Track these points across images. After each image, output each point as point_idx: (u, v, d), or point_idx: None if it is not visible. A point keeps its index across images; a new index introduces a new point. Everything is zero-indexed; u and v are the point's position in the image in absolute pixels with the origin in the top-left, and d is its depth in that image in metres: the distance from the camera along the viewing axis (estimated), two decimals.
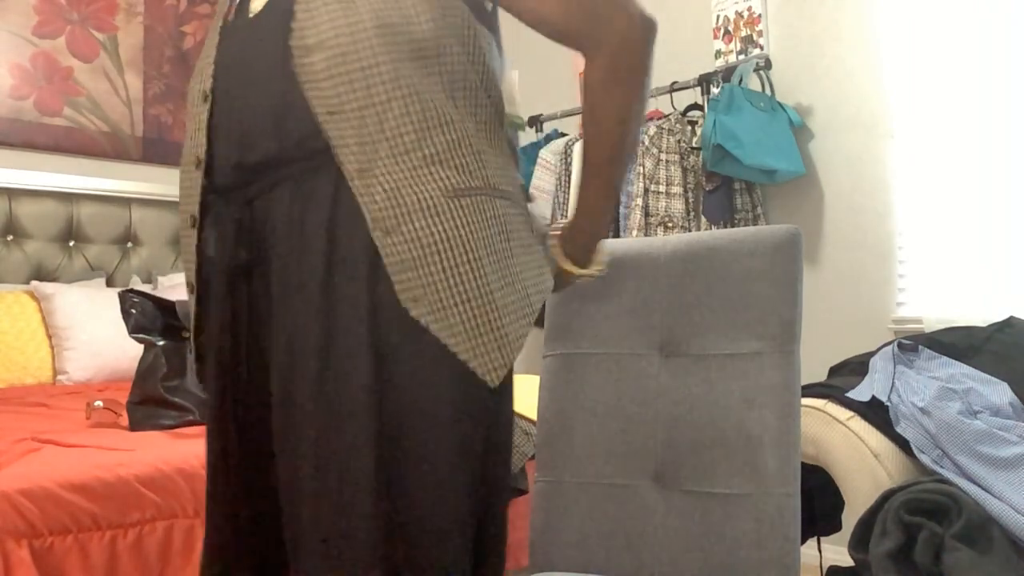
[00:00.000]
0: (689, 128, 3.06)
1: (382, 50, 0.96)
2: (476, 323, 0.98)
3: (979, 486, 1.44)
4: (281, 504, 1.01)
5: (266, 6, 1.03)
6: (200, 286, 1.11)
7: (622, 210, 3.10)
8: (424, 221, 0.96)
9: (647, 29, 1.07)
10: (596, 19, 1.06)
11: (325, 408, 0.95)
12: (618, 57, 1.07)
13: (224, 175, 1.04)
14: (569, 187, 3.33)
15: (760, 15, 3.16)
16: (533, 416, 2.01)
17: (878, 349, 1.84)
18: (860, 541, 1.48)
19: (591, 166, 1.14)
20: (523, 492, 2.03)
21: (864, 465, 1.59)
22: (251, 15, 1.04)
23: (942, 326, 2.08)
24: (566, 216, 3.30)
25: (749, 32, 3.19)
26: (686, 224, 2.95)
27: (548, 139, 3.56)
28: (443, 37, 1.00)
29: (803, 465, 1.38)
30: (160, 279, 3.54)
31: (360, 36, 0.95)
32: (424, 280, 0.96)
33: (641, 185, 2.99)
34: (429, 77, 0.99)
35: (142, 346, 2.12)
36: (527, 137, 3.70)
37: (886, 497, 1.47)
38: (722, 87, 2.91)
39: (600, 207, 1.16)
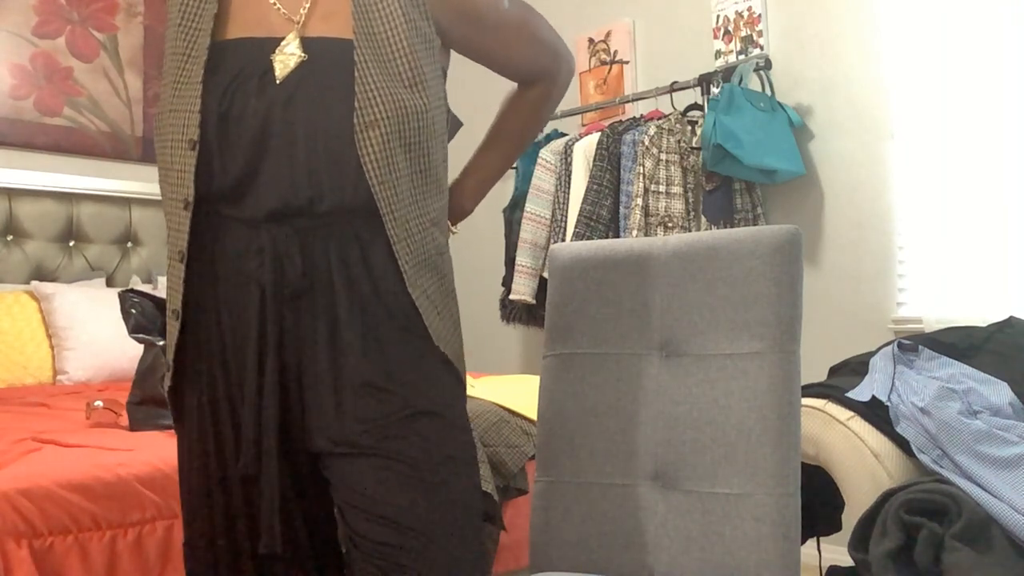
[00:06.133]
0: (689, 128, 3.06)
1: (415, 127, 1.16)
2: (458, 347, 1.24)
3: (979, 486, 1.44)
4: (355, 525, 1.15)
5: (303, 73, 1.14)
6: (186, 313, 1.20)
7: (622, 210, 3.10)
8: (425, 275, 1.19)
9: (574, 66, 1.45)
10: (558, 57, 1.39)
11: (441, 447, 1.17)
12: (564, 84, 1.42)
13: (280, 214, 1.14)
14: (569, 187, 3.33)
15: (760, 15, 3.16)
16: (533, 416, 2.01)
17: (878, 349, 1.83)
18: (860, 541, 1.48)
19: (508, 158, 1.45)
20: (523, 492, 2.03)
21: (864, 465, 1.59)
22: (278, 80, 1.14)
23: (942, 326, 2.08)
24: (566, 217, 3.31)
25: (749, 32, 3.19)
26: (686, 224, 2.95)
27: (548, 139, 3.56)
28: (441, 115, 1.22)
29: (803, 465, 1.38)
30: (160, 279, 3.54)
31: (402, 115, 1.14)
32: (440, 323, 1.20)
33: (641, 185, 2.99)
34: (439, 151, 1.21)
35: (142, 346, 2.12)
36: None
37: (886, 497, 1.47)
38: (722, 87, 2.91)
39: (491, 186, 1.46)
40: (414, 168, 1.17)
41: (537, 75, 1.38)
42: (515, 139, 1.45)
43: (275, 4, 1.19)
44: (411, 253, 1.17)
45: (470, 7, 1.26)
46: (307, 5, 1.18)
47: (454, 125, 1.35)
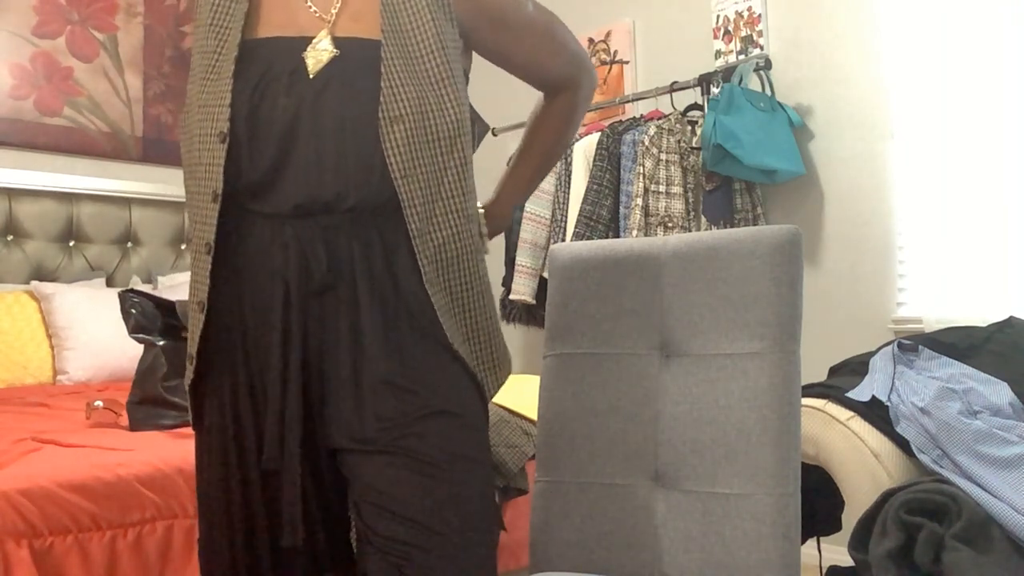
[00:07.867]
0: (689, 128, 3.06)
1: (441, 123, 1.17)
2: (476, 350, 1.23)
3: (979, 486, 1.44)
4: (365, 516, 1.15)
5: (333, 70, 1.16)
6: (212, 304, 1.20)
7: (622, 210, 3.10)
8: (451, 274, 1.19)
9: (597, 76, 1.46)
10: (582, 67, 1.39)
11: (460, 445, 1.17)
12: (588, 94, 1.42)
13: (305, 209, 1.15)
14: (569, 187, 3.33)
15: (760, 15, 3.16)
16: (533, 416, 2.01)
17: (878, 349, 1.83)
18: (860, 541, 1.48)
19: (541, 170, 1.47)
20: (523, 492, 2.03)
21: (864, 465, 1.59)
22: (311, 75, 1.15)
23: (942, 326, 2.08)
24: (566, 217, 3.31)
25: (749, 32, 3.19)
26: (686, 224, 2.95)
27: None
28: (467, 114, 1.22)
29: (803, 465, 1.38)
30: (160, 279, 3.54)
31: (427, 111, 1.16)
32: (456, 323, 1.19)
33: (641, 185, 2.99)
34: (466, 149, 1.21)
35: (142, 346, 2.12)
36: None
37: (886, 497, 1.47)
38: (722, 87, 2.91)
39: (524, 201, 1.49)
40: (444, 164, 1.18)
41: (560, 83, 1.39)
42: (545, 152, 1.45)
43: (308, 4, 1.21)
44: (433, 250, 1.17)
45: (493, 8, 1.28)
46: (337, 5, 1.20)
47: (481, 129, 1.35)
